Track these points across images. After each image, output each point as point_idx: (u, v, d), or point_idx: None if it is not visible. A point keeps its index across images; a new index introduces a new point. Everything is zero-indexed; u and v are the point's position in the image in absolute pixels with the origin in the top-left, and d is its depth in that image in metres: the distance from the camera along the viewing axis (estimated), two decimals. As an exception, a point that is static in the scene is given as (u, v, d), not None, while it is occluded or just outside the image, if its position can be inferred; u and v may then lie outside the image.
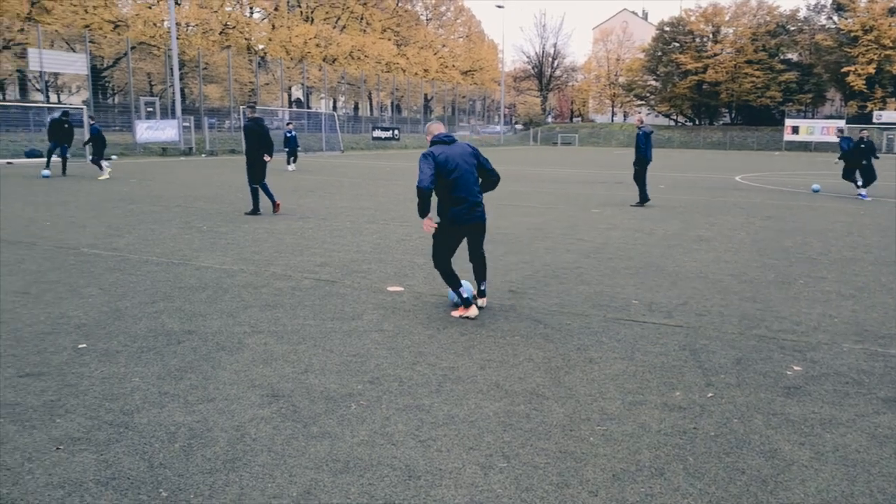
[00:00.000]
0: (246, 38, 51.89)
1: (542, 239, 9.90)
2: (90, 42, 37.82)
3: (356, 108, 69.21)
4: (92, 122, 20.57)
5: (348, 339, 5.12)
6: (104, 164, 19.44)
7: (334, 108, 62.83)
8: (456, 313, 5.77)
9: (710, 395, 4.16)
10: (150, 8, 45.09)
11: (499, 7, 66.68)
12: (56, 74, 42.89)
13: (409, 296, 6.48)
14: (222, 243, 9.12)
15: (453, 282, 5.77)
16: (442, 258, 5.75)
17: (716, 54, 69.67)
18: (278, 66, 51.84)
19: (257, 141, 11.74)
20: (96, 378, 4.26)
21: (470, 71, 77.51)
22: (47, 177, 19.01)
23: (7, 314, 5.60)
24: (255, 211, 11.96)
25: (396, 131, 53.63)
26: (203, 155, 33.80)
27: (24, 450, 3.33)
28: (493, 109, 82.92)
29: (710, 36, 72.06)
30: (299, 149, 25.86)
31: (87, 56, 36.12)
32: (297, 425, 3.65)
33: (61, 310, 5.75)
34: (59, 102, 45.50)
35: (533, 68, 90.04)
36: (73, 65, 35.71)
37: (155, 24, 43.92)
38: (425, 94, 69.98)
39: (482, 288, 6.04)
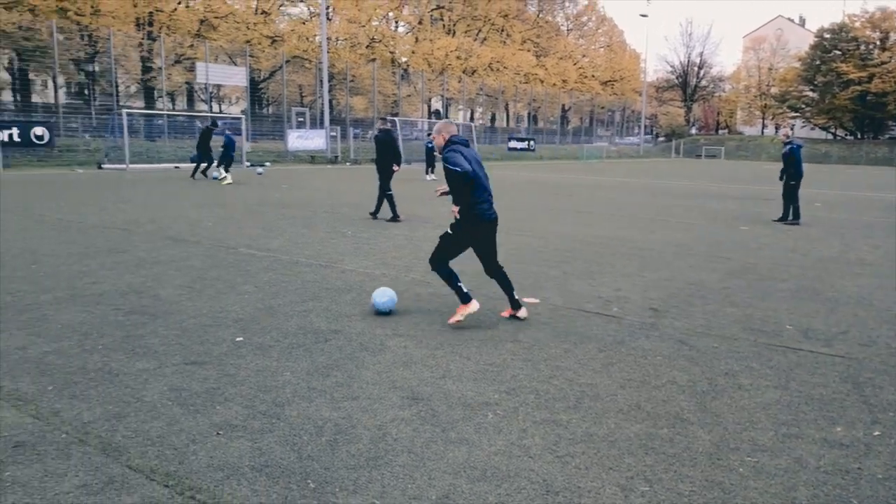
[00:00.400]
0: (391, 52, 53.80)
1: (684, 256, 9.51)
2: (250, 56, 40.69)
3: (493, 118, 69.79)
4: (228, 132, 22.06)
5: (484, 348, 5.16)
6: (221, 171, 20.48)
7: (471, 118, 63.70)
8: (453, 319, 5.72)
9: (876, 433, 3.81)
10: (303, 24, 47.83)
11: (643, 16, 64.98)
12: (219, 86, 46.49)
13: (545, 308, 6.43)
14: (365, 248, 9.48)
15: (454, 280, 5.84)
16: (445, 259, 5.90)
17: (883, 63, 64.13)
18: (420, 78, 53.32)
19: (387, 151, 12.31)
20: (251, 370, 4.55)
21: (610, 81, 76.03)
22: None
23: (175, 306, 6.11)
24: (395, 217, 12.40)
25: (532, 142, 53.54)
26: (347, 163, 35.33)
27: (189, 432, 3.61)
28: (632, 120, 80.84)
29: (877, 43, 66.45)
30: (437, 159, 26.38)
31: (247, 69, 38.87)
32: (435, 429, 3.72)
33: (221, 304, 6.20)
34: (221, 112, 49.27)
35: (677, 78, 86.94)
36: (234, 77, 38.55)
37: (308, 39, 46.50)
38: (563, 105, 69.42)
39: (515, 298, 6.05)
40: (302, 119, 37.54)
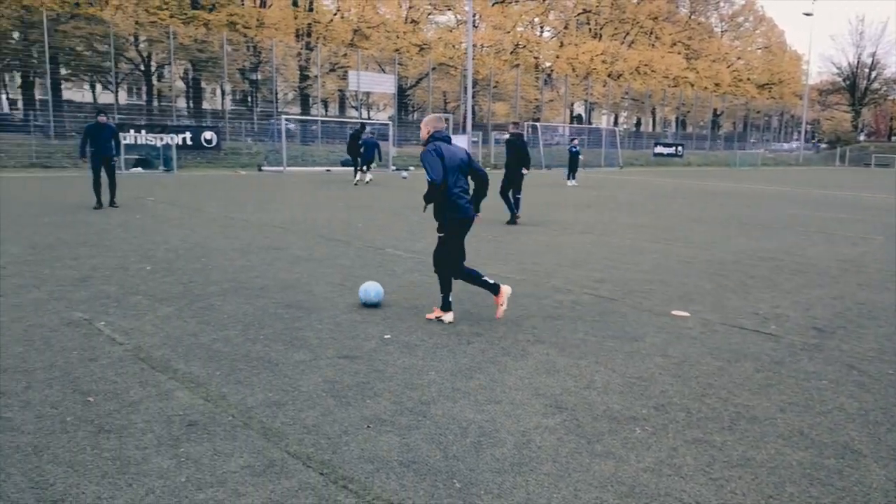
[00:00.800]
0: (535, 57, 53.74)
1: (854, 273, 8.76)
2: (398, 64, 42.10)
3: (638, 123, 67.82)
4: (370, 136, 22.95)
5: (630, 361, 5.01)
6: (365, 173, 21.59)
7: (615, 123, 62.25)
8: (499, 313, 5.93)
9: None
10: (450, 31, 48.86)
11: (806, 15, 60.58)
12: (368, 93, 48.47)
13: (696, 322, 6.14)
14: (504, 253, 9.51)
15: (477, 278, 5.90)
16: (459, 261, 5.92)
17: None
18: (563, 82, 52.82)
19: (516, 154, 12.50)
20: (399, 367, 4.69)
21: (767, 84, 71.62)
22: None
23: (328, 302, 6.42)
24: (513, 220, 12.63)
25: (680, 147, 51.49)
26: (488, 168, 35.67)
27: (342, 423, 3.77)
28: (791, 126, 75.66)
29: None
30: (580, 164, 25.93)
31: (395, 77, 40.24)
32: (580, 440, 3.66)
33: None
34: (369, 118, 51.33)
35: (844, 80, 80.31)
36: (384, 84, 40.03)
37: (454, 46, 47.43)
38: (714, 109, 66.21)
39: (449, 300, 5.96)
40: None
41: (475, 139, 36.62)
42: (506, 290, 5.94)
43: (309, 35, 40.82)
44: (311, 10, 40.80)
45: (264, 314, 5.91)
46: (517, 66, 49.65)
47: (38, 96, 35.32)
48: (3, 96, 43.91)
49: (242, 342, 5.13)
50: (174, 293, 6.57)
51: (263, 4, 40.49)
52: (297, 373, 4.52)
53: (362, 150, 21.41)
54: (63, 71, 34.86)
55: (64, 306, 5.96)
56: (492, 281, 5.94)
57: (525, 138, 13.65)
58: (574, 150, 25.11)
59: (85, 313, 5.75)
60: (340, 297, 6.59)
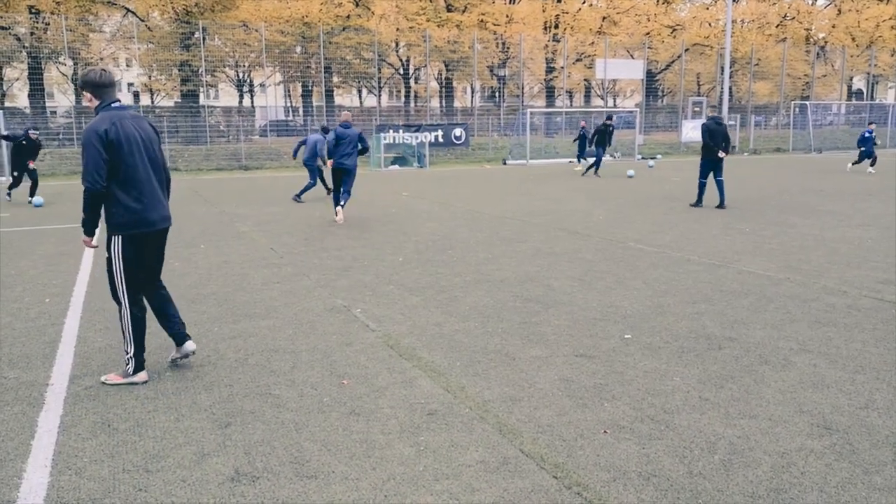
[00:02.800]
0: (806, 29, 48.31)
1: None
2: (648, 48, 40.43)
3: (937, 96, 57.90)
4: (582, 125, 22.54)
5: (924, 379, 4.22)
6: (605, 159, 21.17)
7: (906, 98, 53.76)
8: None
9: None
10: (707, 9, 45.75)
11: None
12: (614, 81, 47.22)
13: None
14: (766, 247, 8.63)
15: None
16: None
17: None
18: (839, 54, 46.83)
19: (712, 138, 12.76)
20: (640, 370, 4.44)
21: None
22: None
23: (566, 297, 6.31)
24: (699, 203, 13.04)
25: None
26: (745, 154, 32.88)
27: (577, 425, 3.65)
28: None
29: None
30: (876, 147, 22.42)
31: (644, 61, 38.71)
32: (855, 469, 3.14)
33: (610, 299, 6.21)
34: (615, 106, 50.08)
35: None
36: (632, 71, 38.73)
37: (710, 25, 44.38)
38: None
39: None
40: (698, 109, 36.01)
41: (732, 122, 33.92)
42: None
43: (556, 27, 40.83)
44: (559, 1, 40.77)
45: (503, 307, 5.98)
46: (783, 39, 45.02)
47: (315, 103, 39.73)
48: (286, 104, 50.05)
49: (482, 334, 5.22)
50: (422, 284, 6.91)
51: (513, 1, 41.33)
52: (533, 368, 4.48)
53: (575, 141, 21.60)
54: (335, 79, 38.75)
55: (328, 293, 6.56)
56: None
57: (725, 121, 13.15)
58: (868, 133, 21.91)
59: (344, 300, 6.28)
60: (580, 293, 6.44)
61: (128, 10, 32.97)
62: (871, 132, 21.74)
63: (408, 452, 3.36)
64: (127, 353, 4.30)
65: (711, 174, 13.00)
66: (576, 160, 25.06)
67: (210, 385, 4.27)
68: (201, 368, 4.56)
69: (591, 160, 21.43)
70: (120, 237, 4.20)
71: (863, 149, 21.60)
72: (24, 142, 14.76)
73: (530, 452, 3.35)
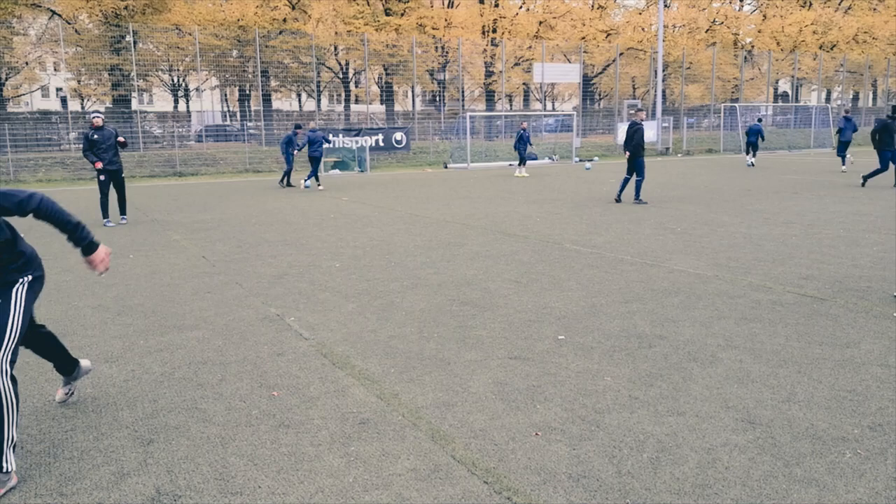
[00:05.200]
0: (734, 33, 50.01)
1: None
2: (584, 52, 41.17)
3: (855, 98, 60.74)
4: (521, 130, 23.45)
5: (840, 371, 4.38)
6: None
7: (827, 99, 56.24)
8: None
9: None
10: (640, 14, 46.86)
11: None
12: (553, 85, 47.89)
13: (927, 327, 5.27)
14: (696, 246, 8.86)
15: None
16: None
17: None
18: (766, 58, 48.64)
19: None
20: (572, 371, 4.47)
21: None
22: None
23: (502, 299, 6.33)
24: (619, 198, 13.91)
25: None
26: (679, 154, 33.78)
27: (509, 429, 3.65)
28: None
29: None
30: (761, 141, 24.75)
31: (581, 65, 39.39)
32: (777, 462, 3.23)
33: (545, 301, 6.26)
34: (554, 110, 50.79)
35: None
36: (569, 75, 39.34)
37: (643, 29, 45.47)
38: (953, 77, 57.47)
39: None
40: (633, 111, 36.89)
41: (665, 124, 34.83)
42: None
43: (494, 31, 41.18)
44: (496, 5, 41.14)
45: (440, 311, 5.96)
46: (713, 44, 46.52)
47: (252, 107, 39.03)
48: (223, 109, 49.08)
49: (417, 339, 5.19)
50: (359, 290, 6.83)
51: (451, 5, 41.50)
52: (467, 373, 4.47)
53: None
54: (273, 83, 38.15)
55: (261, 302, 6.42)
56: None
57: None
58: (757, 125, 24.26)
59: (278, 309, 6.15)
60: (515, 295, 6.48)
61: (53, 12, 31.74)
62: (759, 124, 24.28)
63: (337, 464, 3.30)
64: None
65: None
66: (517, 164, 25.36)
67: (133, 401, 4.11)
68: (125, 384, 4.39)
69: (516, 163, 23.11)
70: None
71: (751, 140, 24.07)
72: None
73: (462, 458, 3.33)
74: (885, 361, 4.52)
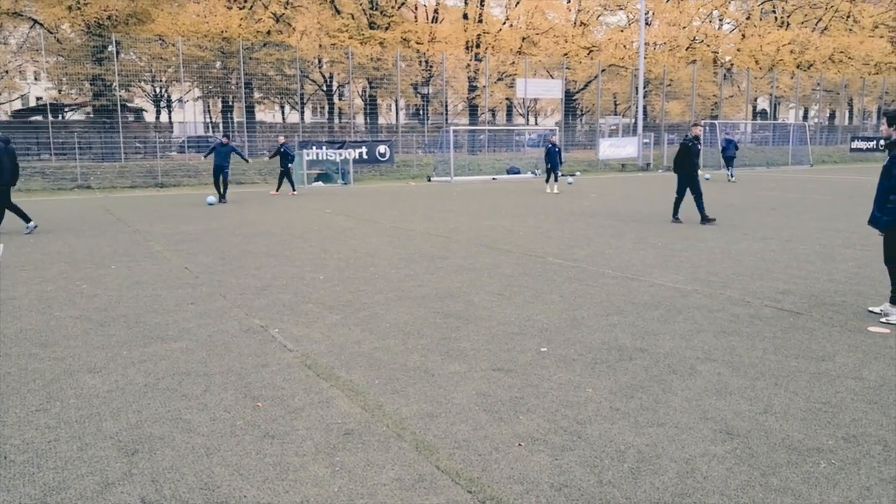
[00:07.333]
0: (713, 52, 50.80)
1: None
2: (566, 68, 41.60)
3: (832, 116, 61.86)
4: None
5: (816, 383, 4.48)
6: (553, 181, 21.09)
7: (805, 117, 57.19)
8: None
9: None
10: (621, 31, 47.48)
11: None
12: (535, 100, 48.33)
13: (900, 340, 5.40)
14: (676, 261, 8.98)
15: None
16: None
17: None
18: (745, 76, 49.45)
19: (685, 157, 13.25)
20: (554, 382, 4.53)
21: None
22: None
23: (486, 312, 6.39)
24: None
25: (882, 142, 46.21)
26: (660, 170, 34.16)
27: (493, 439, 3.70)
28: None
29: None
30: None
31: (563, 81, 39.81)
32: (753, 472, 3.30)
33: (528, 313, 6.33)
34: (536, 125, 51.21)
35: None
36: (551, 90, 39.74)
37: (624, 46, 46.05)
38: (926, 97, 58.70)
39: None
40: (615, 127, 37.29)
41: (646, 140, 35.24)
42: None
43: (478, 46, 41.52)
44: (480, 21, 41.49)
45: (423, 323, 6.00)
46: (693, 62, 47.22)
47: (235, 119, 38.95)
48: (206, 120, 48.91)
49: (401, 351, 5.23)
50: (342, 301, 6.86)
51: (435, 20, 41.81)
52: (451, 384, 4.51)
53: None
54: (256, 95, 38.14)
55: (244, 314, 6.42)
56: None
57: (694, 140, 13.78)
58: (731, 140, 26.52)
59: (262, 320, 6.16)
60: (499, 308, 6.54)
61: (35, 21, 31.55)
62: (732, 139, 25.92)
63: (322, 474, 3.32)
64: None
65: None
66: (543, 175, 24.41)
67: (117, 411, 4.11)
68: (108, 394, 4.38)
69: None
70: None
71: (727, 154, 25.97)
72: None
73: (446, 468, 3.37)
74: (859, 374, 4.63)
